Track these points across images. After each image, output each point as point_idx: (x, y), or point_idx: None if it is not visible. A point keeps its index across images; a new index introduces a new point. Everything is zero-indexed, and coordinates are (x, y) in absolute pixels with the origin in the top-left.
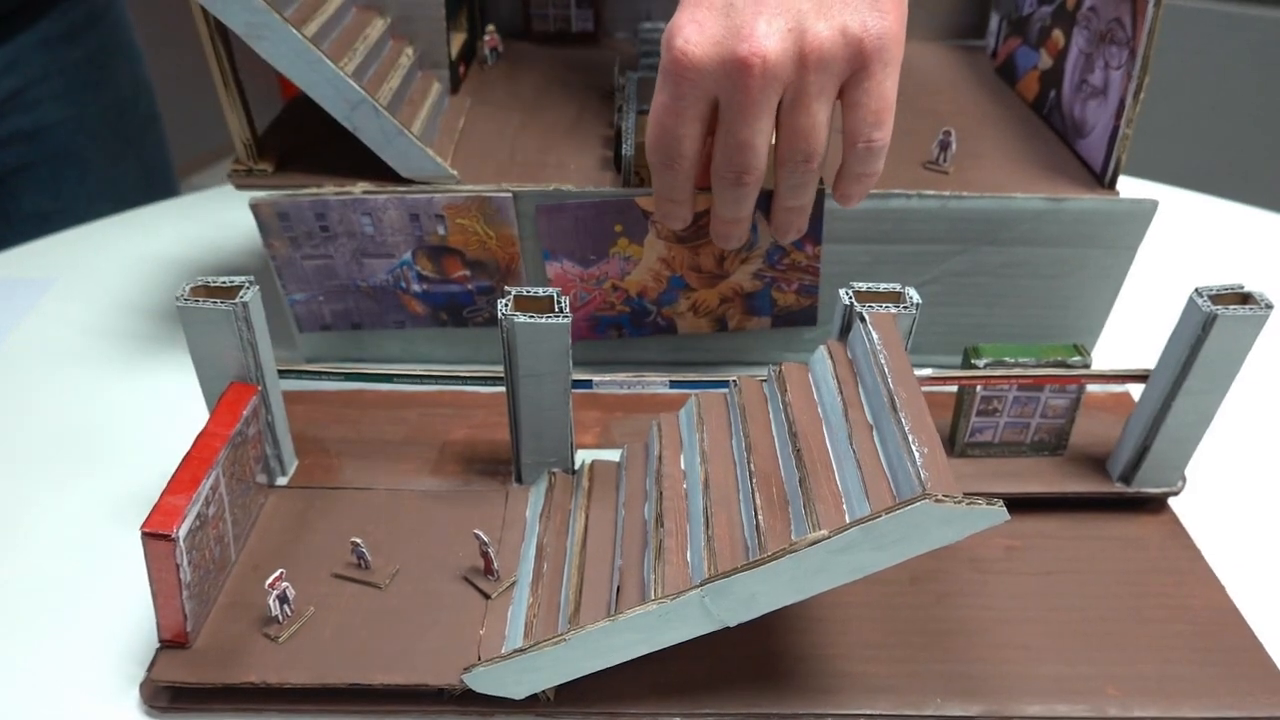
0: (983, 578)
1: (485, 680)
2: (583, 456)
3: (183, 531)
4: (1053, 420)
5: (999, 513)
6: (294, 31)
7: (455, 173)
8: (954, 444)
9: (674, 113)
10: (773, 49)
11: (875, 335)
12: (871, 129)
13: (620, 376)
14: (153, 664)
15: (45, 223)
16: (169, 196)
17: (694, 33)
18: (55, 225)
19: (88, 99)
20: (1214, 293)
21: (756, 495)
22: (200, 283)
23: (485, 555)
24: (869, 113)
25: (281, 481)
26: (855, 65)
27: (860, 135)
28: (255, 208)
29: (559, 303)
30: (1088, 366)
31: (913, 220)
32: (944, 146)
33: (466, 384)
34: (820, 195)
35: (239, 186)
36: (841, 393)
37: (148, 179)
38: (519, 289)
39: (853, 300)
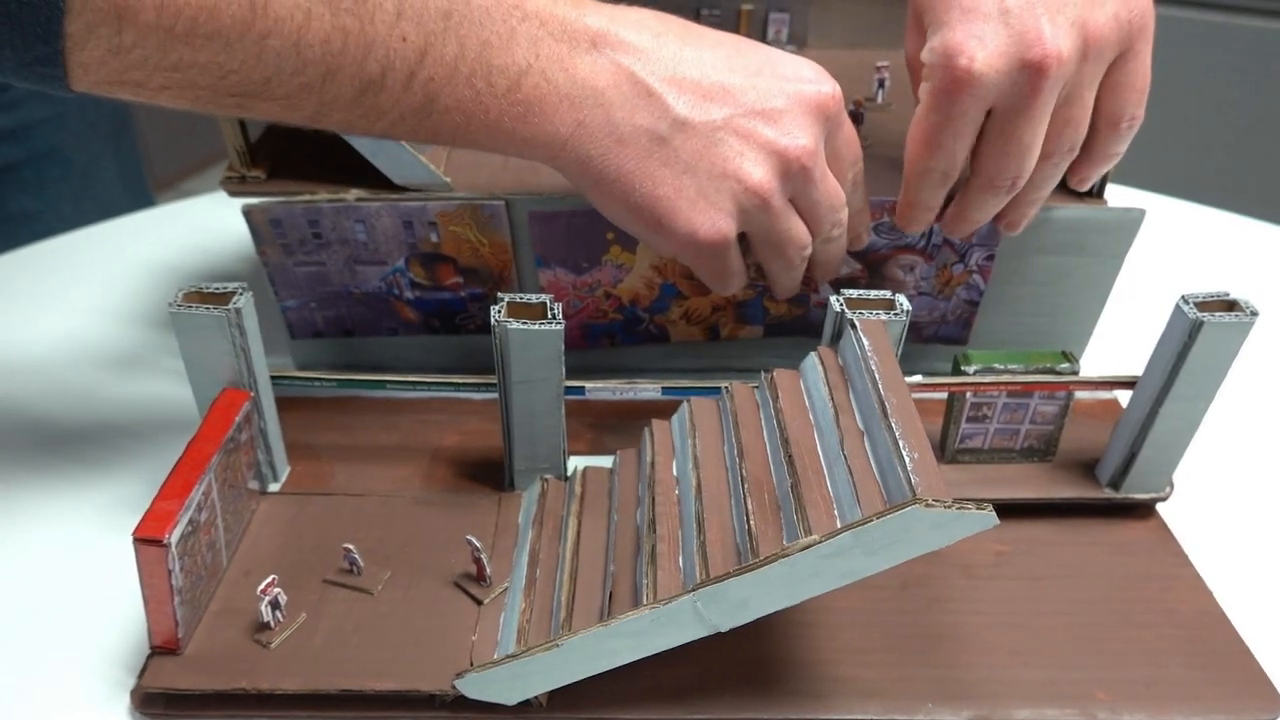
0: (973, 583)
1: (478, 686)
2: (575, 463)
3: (174, 537)
4: (1042, 426)
5: (988, 517)
6: None
7: (448, 180)
8: (944, 450)
9: (950, 130)
10: (1064, 48)
11: (866, 342)
12: (1136, 106)
13: (613, 383)
14: (144, 670)
15: (32, 223)
16: (144, 196)
17: (977, 48)
18: (41, 225)
19: (68, 98)
20: (1200, 300)
21: (748, 500)
22: (193, 289)
23: (477, 561)
24: (1135, 91)
25: (274, 487)
26: (1124, 47)
27: (1125, 115)
28: (248, 214)
29: (551, 309)
30: (1076, 373)
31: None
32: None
33: (459, 390)
34: None
35: (232, 193)
36: (832, 399)
37: (124, 178)
38: (512, 295)
39: (843, 307)
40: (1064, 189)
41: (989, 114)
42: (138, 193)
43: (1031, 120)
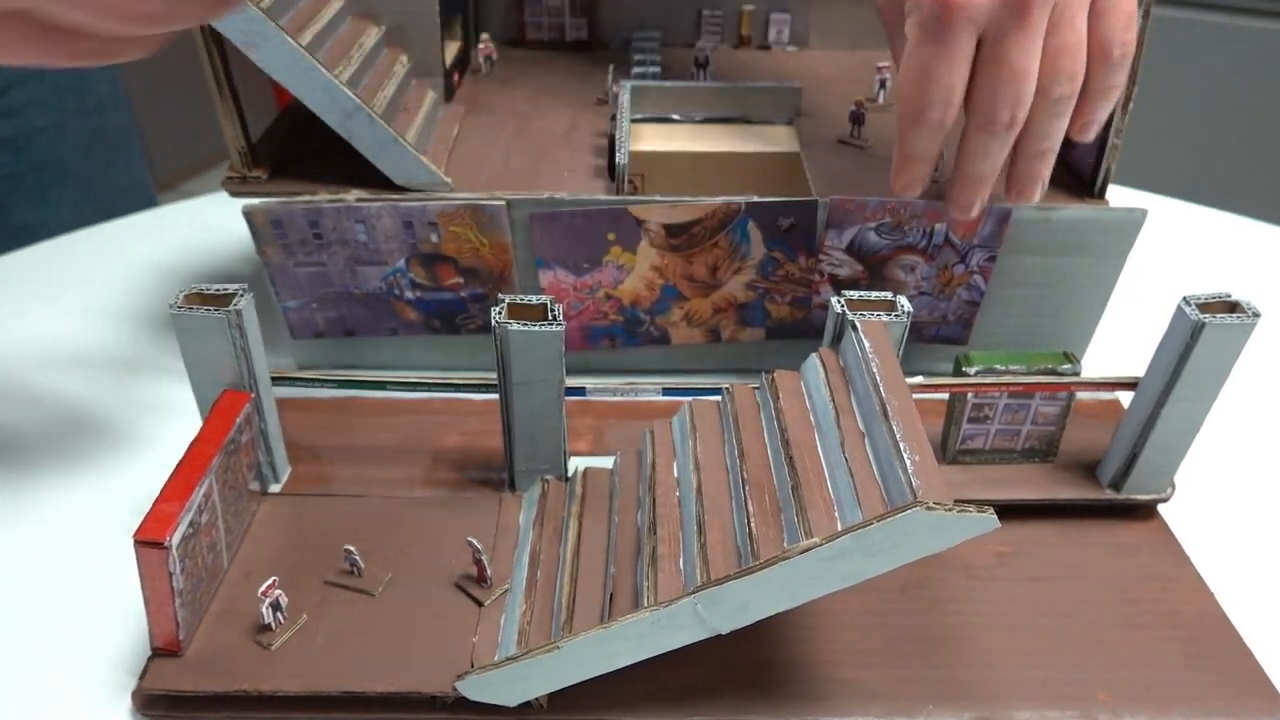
0: (973, 584)
1: (478, 688)
2: (576, 464)
3: (175, 539)
4: (1043, 427)
5: (989, 520)
6: (289, 40)
7: (449, 180)
8: (945, 451)
9: (944, 60)
10: None
11: (867, 343)
12: (1125, 32)
13: (613, 384)
14: (144, 672)
15: (33, 234)
16: (149, 206)
17: None
18: (43, 236)
19: (68, 106)
20: (1202, 301)
21: (749, 502)
22: (194, 290)
23: (478, 562)
24: (1122, 14)
25: (274, 488)
26: None
27: (1115, 41)
28: (249, 215)
29: (552, 310)
30: (1078, 374)
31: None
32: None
33: (459, 391)
34: (813, 207)
35: (233, 194)
36: (833, 400)
37: (129, 188)
38: (513, 296)
39: (844, 308)
40: (1066, 189)
41: (979, 47)
42: (143, 203)
43: (1022, 43)
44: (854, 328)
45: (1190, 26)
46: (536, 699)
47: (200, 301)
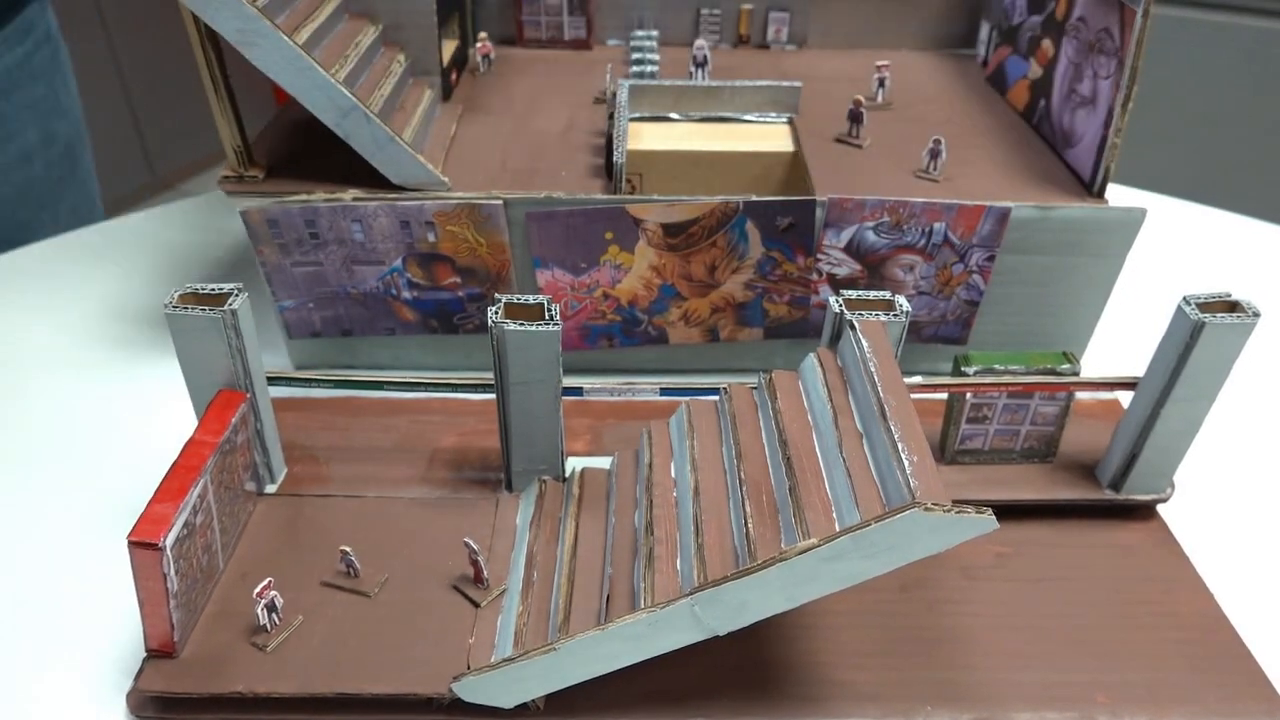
0: (972, 585)
1: (474, 689)
2: (573, 464)
3: (170, 540)
4: (1042, 427)
5: (988, 522)
6: (285, 39)
7: (446, 180)
8: (944, 451)
9: None
10: None
11: (865, 343)
12: None
13: (611, 384)
14: (139, 674)
15: None
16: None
17: None
18: None
19: None
20: (1202, 301)
21: (747, 503)
22: (189, 290)
23: (475, 563)
24: None
25: (270, 489)
26: None
27: None
28: (245, 214)
29: (549, 310)
30: (1077, 374)
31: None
32: (934, 155)
33: (456, 391)
34: (811, 206)
35: (229, 193)
36: (831, 400)
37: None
38: (509, 296)
39: (843, 308)
40: (1066, 189)
41: None
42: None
43: None
44: (852, 327)
45: (1190, 26)
46: (533, 700)
47: (195, 301)
